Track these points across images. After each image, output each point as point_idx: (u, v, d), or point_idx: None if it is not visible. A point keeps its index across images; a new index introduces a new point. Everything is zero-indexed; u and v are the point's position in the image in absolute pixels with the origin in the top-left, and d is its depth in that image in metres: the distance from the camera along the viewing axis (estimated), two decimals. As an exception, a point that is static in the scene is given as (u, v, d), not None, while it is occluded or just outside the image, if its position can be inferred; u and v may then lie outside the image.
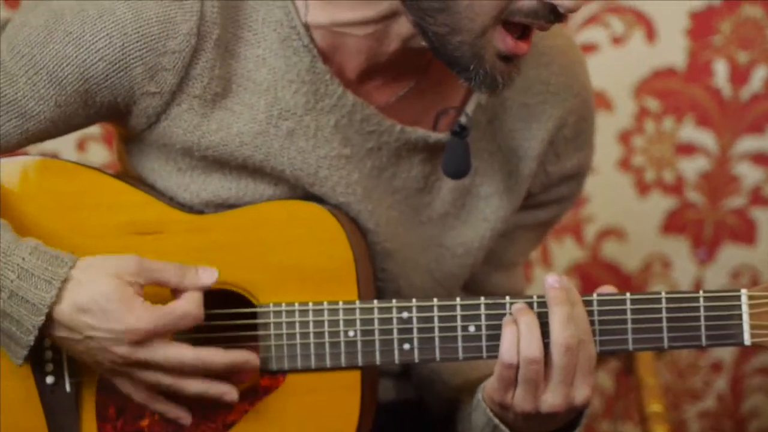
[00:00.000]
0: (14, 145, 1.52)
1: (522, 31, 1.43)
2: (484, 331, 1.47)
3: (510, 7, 1.40)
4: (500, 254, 1.66)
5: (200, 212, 1.54)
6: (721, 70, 2.43)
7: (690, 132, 2.46)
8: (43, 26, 1.48)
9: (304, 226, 1.51)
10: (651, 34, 2.41)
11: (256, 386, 1.51)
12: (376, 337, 1.48)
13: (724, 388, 2.61)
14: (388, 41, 1.49)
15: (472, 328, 1.47)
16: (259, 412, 1.51)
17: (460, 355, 1.48)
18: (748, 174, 2.48)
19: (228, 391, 1.47)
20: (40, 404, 1.50)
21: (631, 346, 1.46)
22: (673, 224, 2.51)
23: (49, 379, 1.50)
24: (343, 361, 1.49)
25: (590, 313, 1.45)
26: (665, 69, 2.43)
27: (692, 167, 2.48)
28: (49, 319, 1.43)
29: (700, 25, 2.41)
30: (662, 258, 2.53)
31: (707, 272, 2.54)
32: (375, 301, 1.49)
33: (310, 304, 1.49)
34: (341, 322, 1.49)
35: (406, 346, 1.48)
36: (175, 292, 1.46)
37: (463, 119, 1.54)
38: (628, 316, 1.46)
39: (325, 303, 1.49)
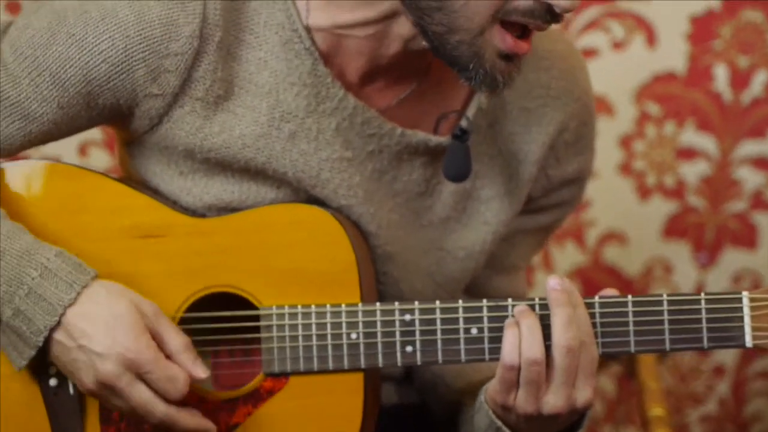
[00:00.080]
0: (17, 147, 1.52)
1: (521, 31, 1.43)
2: (486, 333, 1.47)
3: (506, 6, 1.40)
4: (502, 258, 1.66)
5: (203, 216, 1.54)
6: (721, 75, 2.43)
7: (691, 136, 2.47)
8: (46, 28, 1.49)
9: (306, 229, 1.51)
10: (651, 38, 2.42)
11: (259, 389, 1.51)
12: (379, 339, 1.49)
13: (726, 392, 2.61)
14: (389, 42, 1.49)
15: (474, 331, 1.48)
16: (262, 415, 1.51)
17: (463, 357, 1.48)
18: (749, 178, 2.49)
19: None
20: (44, 406, 1.50)
21: (632, 348, 1.46)
22: (674, 228, 2.51)
23: (53, 382, 1.50)
24: (345, 364, 1.49)
25: (592, 315, 1.46)
26: (666, 73, 2.43)
27: (693, 171, 2.48)
28: (59, 322, 1.43)
29: (701, 30, 2.41)
30: (663, 262, 2.54)
31: (708, 276, 2.54)
32: (377, 304, 1.49)
33: (313, 306, 1.49)
34: (344, 325, 1.49)
35: (409, 348, 1.49)
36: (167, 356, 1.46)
37: (463, 123, 1.55)
38: (630, 318, 1.46)
39: (328, 305, 1.49)
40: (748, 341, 1.46)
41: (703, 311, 1.46)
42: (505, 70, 1.44)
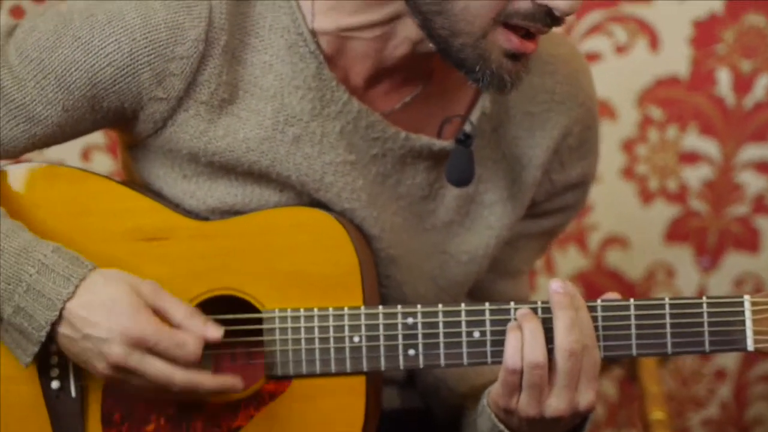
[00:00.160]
0: (21, 150, 1.52)
1: (526, 32, 1.43)
2: (488, 337, 1.47)
3: (507, 10, 1.40)
4: (505, 262, 1.66)
5: (206, 219, 1.54)
6: (724, 79, 2.43)
7: (693, 140, 2.47)
8: (52, 31, 1.49)
9: (309, 232, 1.52)
10: (654, 42, 2.42)
11: (262, 391, 1.51)
12: (381, 342, 1.49)
13: (728, 396, 2.61)
14: (395, 43, 1.49)
15: (476, 334, 1.48)
16: (265, 418, 1.51)
17: (465, 360, 1.48)
18: (752, 182, 2.49)
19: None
20: (46, 409, 1.51)
21: (635, 352, 1.46)
22: (676, 232, 2.52)
23: (55, 384, 1.51)
24: (348, 367, 1.49)
25: (594, 318, 1.46)
26: (668, 77, 2.43)
27: (696, 175, 2.48)
28: (60, 316, 1.44)
29: (703, 34, 2.41)
30: (666, 266, 2.54)
31: (711, 280, 2.54)
32: (380, 307, 1.49)
33: (316, 309, 1.50)
34: (346, 328, 1.49)
35: (411, 351, 1.49)
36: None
37: (467, 127, 1.55)
38: (632, 321, 1.47)
39: (330, 309, 1.49)
40: (750, 345, 1.46)
41: (705, 315, 1.46)
42: (512, 69, 1.44)
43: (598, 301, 1.47)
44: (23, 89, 1.49)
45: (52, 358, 1.50)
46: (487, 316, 1.47)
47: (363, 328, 1.49)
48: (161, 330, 1.43)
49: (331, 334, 1.49)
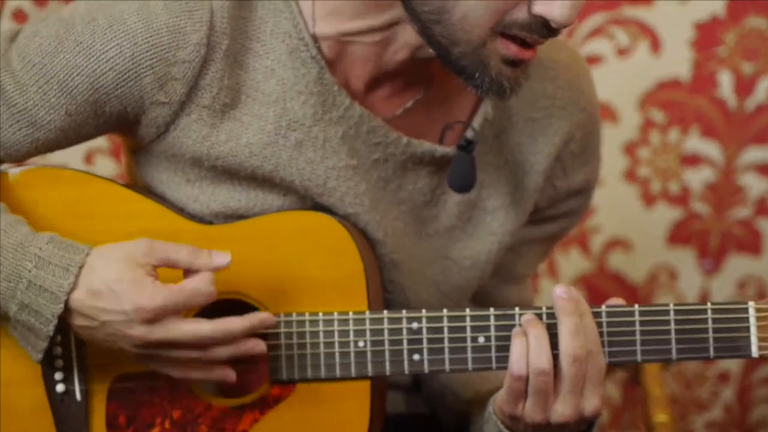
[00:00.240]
0: (24, 154, 1.53)
1: (523, 41, 1.43)
2: (493, 342, 1.47)
3: (504, 20, 1.40)
4: (509, 268, 1.66)
5: (210, 223, 1.55)
6: (725, 81, 2.44)
7: (695, 143, 2.47)
8: (54, 36, 1.49)
9: (314, 236, 1.52)
10: (656, 45, 2.42)
11: (267, 395, 1.51)
12: (386, 347, 1.49)
13: (731, 399, 2.62)
14: (395, 48, 1.49)
15: (481, 339, 1.48)
16: (270, 422, 1.51)
17: (470, 365, 1.48)
18: (754, 184, 2.49)
19: (255, 345, 1.46)
20: (51, 412, 1.51)
21: (639, 358, 1.46)
22: (678, 235, 2.52)
23: (60, 388, 1.51)
24: (353, 371, 1.49)
25: (599, 324, 1.46)
26: (670, 80, 2.44)
27: (698, 178, 2.48)
28: (67, 308, 1.43)
29: (705, 37, 2.41)
30: (668, 269, 2.54)
31: (713, 283, 2.54)
32: (385, 312, 1.49)
33: (320, 314, 1.50)
34: (351, 333, 1.49)
35: (416, 356, 1.49)
36: (187, 273, 1.46)
37: (469, 133, 1.55)
38: (637, 327, 1.47)
39: (335, 313, 1.50)
40: (754, 351, 1.46)
41: (710, 321, 1.46)
42: (512, 75, 1.44)
43: (603, 307, 1.47)
44: (26, 94, 1.49)
45: (56, 361, 1.50)
46: (492, 322, 1.47)
47: (368, 332, 1.49)
48: (171, 293, 1.42)
49: (336, 338, 1.49)
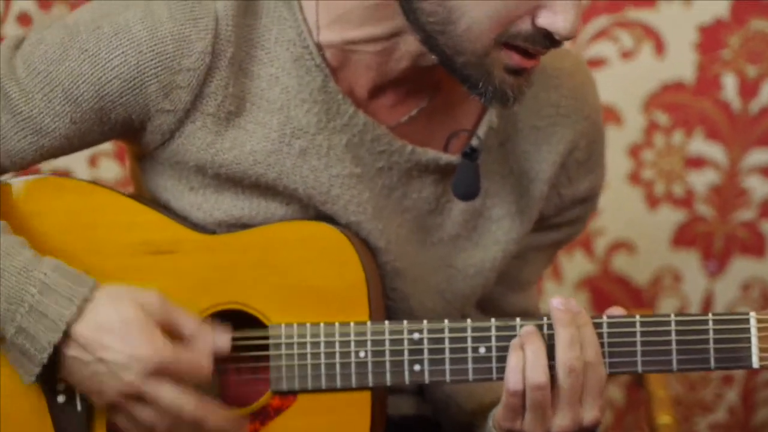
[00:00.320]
0: (29, 162, 1.53)
1: (526, 51, 1.43)
2: (494, 353, 1.47)
3: (509, 31, 1.40)
4: (515, 275, 1.66)
5: (213, 232, 1.55)
6: (730, 84, 2.43)
7: (699, 145, 2.46)
8: (59, 43, 1.49)
9: (315, 246, 1.52)
10: (660, 48, 2.42)
11: (267, 406, 1.51)
12: (387, 358, 1.49)
13: (736, 400, 2.61)
14: (397, 57, 1.49)
15: (482, 350, 1.48)
16: (271, 432, 1.52)
17: (470, 376, 1.48)
18: (758, 187, 2.49)
19: None
20: (51, 423, 1.50)
21: (640, 368, 1.46)
22: (683, 237, 2.51)
23: (61, 398, 1.50)
24: (353, 382, 1.49)
25: (600, 334, 1.46)
26: (674, 83, 2.43)
27: (702, 180, 2.48)
28: (65, 336, 1.43)
29: (709, 39, 2.41)
30: (672, 271, 2.54)
31: (717, 285, 2.54)
32: (386, 322, 1.49)
33: (321, 324, 1.50)
34: (352, 343, 1.49)
35: (417, 367, 1.49)
36: (185, 342, 1.46)
37: (474, 142, 1.55)
38: (638, 338, 1.47)
39: (337, 324, 1.49)
40: (755, 362, 1.46)
41: (711, 332, 1.46)
42: (515, 84, 1.44)
43: (604, 318, 1.47)
44: (31, 102, 1.49)
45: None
46: (493, 332, 1.47)
47: (369, 343, 1.49)
48: (177, 354, 1.43)
49: (337, 349, 1.49)
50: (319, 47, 1.51)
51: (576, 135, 1.60)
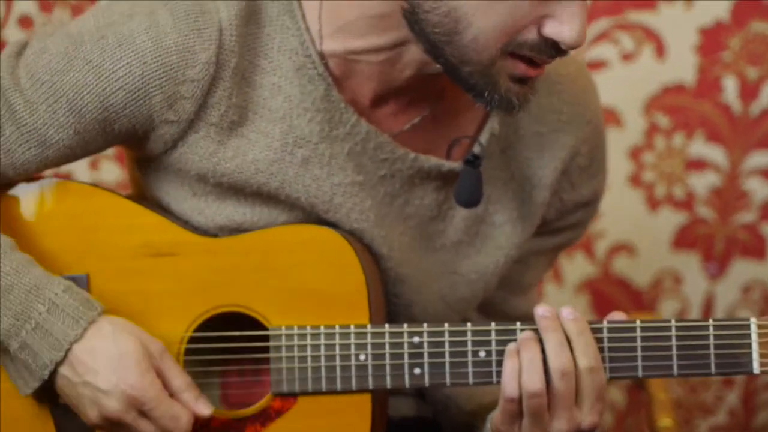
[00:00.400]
0: (32, 172, 1.53)
1: (531, 59, 1.43)
2: (494, 357, 1.48)
3: (515, 41, 1.40)
4: (517, 279, 1.66)
5: (214, 236, 1.55)
6: (730, 86, 2.43)
7: (700, 148, 2.47)
8: (63, 53, 1.49)
9: (316, 250, 1.52)
10: (660, 50, 2.42)
11: (268, 408, 1.52)
12: (387, 361, 1.49)
13: (736, 403, 2.61)
14: (401, 67, 1.49)
15: (482, 354, 1.48)
16: (271, 435, 1.52)
17: (470, 380, 1.48)
18: (759, 189, 2.49)
19: None
20: (53, 426, 1.51)
21: (640, 373, 1.46)
22: (683, 240, 2.51)
23: (62, 401, 1.50)
24: (353, 385, 1.50)
25: (600, 340, 1.46)
26: (675, 85, 2.43)
27: (702, 183, 2.48)
28: (65, 356, 1.45)
29: (710, 42, 2.41)
30: (673, 273, 2.54)
31: (718, 287, 2.54)
32: (386, 326, 1.49)
33: (322, 327, 1.50)
34: (352, 346, 1.49)
35: (417, 370, 1.49)
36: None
37: (476, 148, 1.55)
38: (638, 343, 1.47)
39: (337, 327, 1.50)
40: (756, 368, 1.46)
41: (711, 337, 1.47)
42: (520, 92, 1.44)
43: (604, 323, 1.47)
44: (35, 113, 1.49)
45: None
46: (493, 336, 1.48)
47: (369, 346, 1.49)
48: (162, 398, 1.45)
49: (338, 351, 1.50)
50: (322, 56, 1.51)
51: (578, 141, 1.60)
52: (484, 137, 1.56)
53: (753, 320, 1.46)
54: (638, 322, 1.47)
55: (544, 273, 1.73)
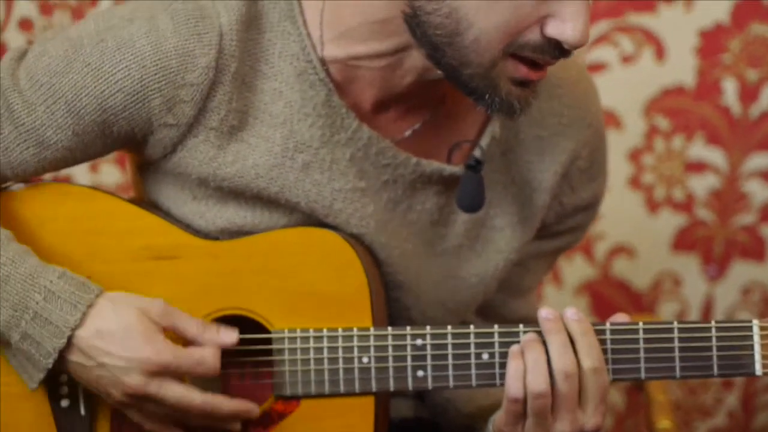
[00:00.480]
0: (31, 173, 1.53)
1: (533, 61, 1.43)
2: (497, 359, 1.48)
3: (517, 42, 1.40)
4: (516, 282, 1.66)
5: (216, 239, 1.55)
6: (730, 88, 2.43)
7: (700, 150, 2.47)
8: (63, 56, 1.50)
9: (318, 252, 1.52)
10: (660, 52, 2.42)
11: (271, 411, 1.52)
12: (390, 363, 1.49)
13: (735, 405, 2.62)
14: (402, 73, 1.49)
15: (485, 356, 1.48)
16: (274, 438, 1.52)
17: (474, 382, 1.48)
18: (758, 191, 2.49)
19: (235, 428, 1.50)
20: (55, 427, 1.51)
21: (643, 375, 1.47)
22: (683, 242, 2.51)
23: (64, 403, 1.51)
24: (356, 387, 1.50)
25: (603, 341, 1.46)
26: (675, 87, 2.43)
27: (702, 185, 2.48)
28: (68, 343, 1.45)
29: (709, 44, 2.41)
30: (673, 275, 2.54)
31: (717, 289, 2.54)
32: (389, 328, 1.50)
33: (325, 330, 1.50)
34: (355, 349, 1.50)
35: (420, 372, 1.49)
36: (192, 344, 1.48)
37: (477, 152, 1.55)
38: (641, 345, 1.47)
39: (340, 329, 1.50)
40: (758, 370, 1.46)
41: (714, 339, 1.47)
42: (521, 95, 1.44)
43: (607, 324, 1.48)
44: (33, 114, 1.50)
45: (61, 376, 1.51)
46: (496, 339, 1.48)
47: (372, 349, 1.49)
48: (178, 354, 1.45)
49: (340, 354, 1.50)
50: (323, 62, 1.51)
51: (578, 144, 1.61)
52: (485, 141, 1.56)
53: (755, 322, 1.46)
54: (641, 324, 1.47)
55: (543, 276, 1.73)
